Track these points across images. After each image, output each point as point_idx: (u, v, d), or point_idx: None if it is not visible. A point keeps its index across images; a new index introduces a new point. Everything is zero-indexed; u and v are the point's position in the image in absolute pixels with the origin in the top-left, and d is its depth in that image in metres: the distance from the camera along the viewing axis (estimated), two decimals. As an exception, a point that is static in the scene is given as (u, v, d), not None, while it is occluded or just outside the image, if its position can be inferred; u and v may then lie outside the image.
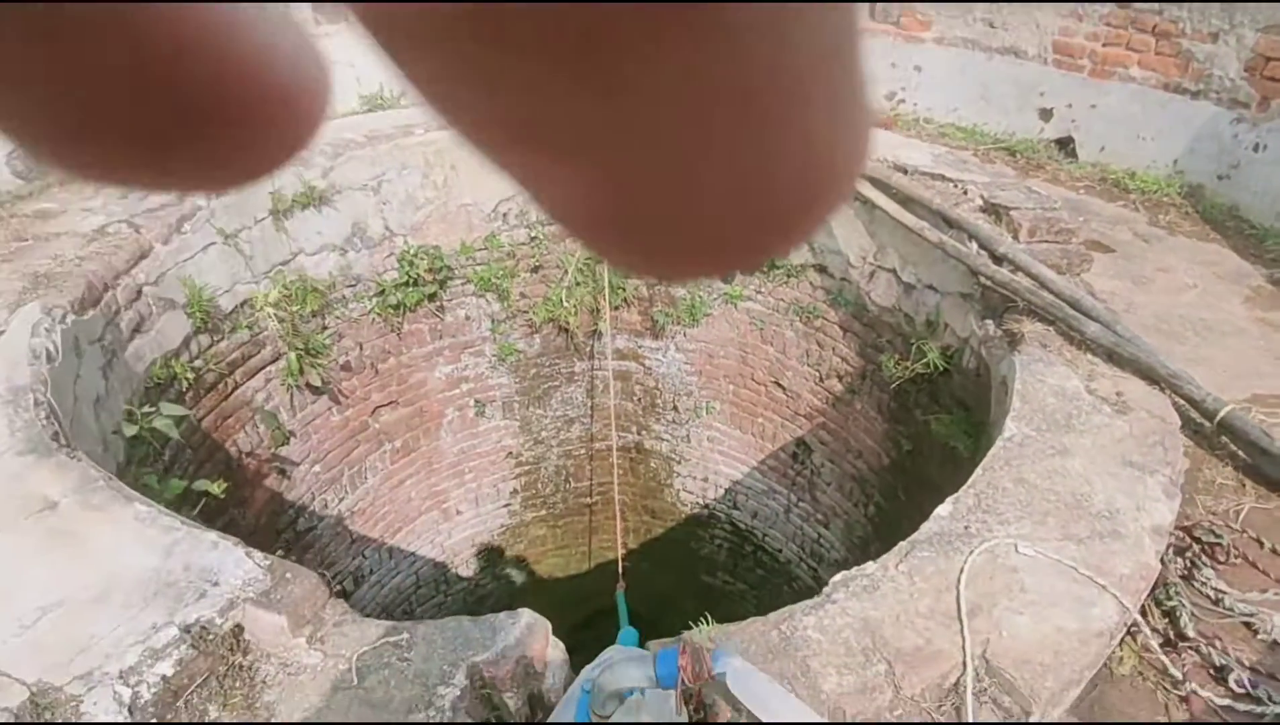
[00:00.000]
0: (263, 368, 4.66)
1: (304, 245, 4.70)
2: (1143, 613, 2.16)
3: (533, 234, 5.36)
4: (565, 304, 5.44)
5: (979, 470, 2.55)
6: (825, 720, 1.91)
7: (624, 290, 5.45)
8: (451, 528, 6.23)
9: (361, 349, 5.18)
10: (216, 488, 3.28)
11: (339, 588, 5.54)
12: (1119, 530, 2.29)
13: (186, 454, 4.21)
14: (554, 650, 2.16)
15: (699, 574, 6.52)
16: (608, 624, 6.47)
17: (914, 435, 4.32)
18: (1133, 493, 2.41)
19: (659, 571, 6.73)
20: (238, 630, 2.03)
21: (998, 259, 3.52)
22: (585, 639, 7.68)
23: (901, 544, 2.34)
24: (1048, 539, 2.28)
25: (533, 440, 6.13)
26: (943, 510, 2.42)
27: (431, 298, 5.27)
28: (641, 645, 2.32)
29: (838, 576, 2.27)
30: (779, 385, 5.36)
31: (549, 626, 2.17)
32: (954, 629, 2.06)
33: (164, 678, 1.89)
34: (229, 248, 4.35)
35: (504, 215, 5.22)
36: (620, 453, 6.27)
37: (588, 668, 1.97)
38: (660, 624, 7.27)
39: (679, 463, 6.10)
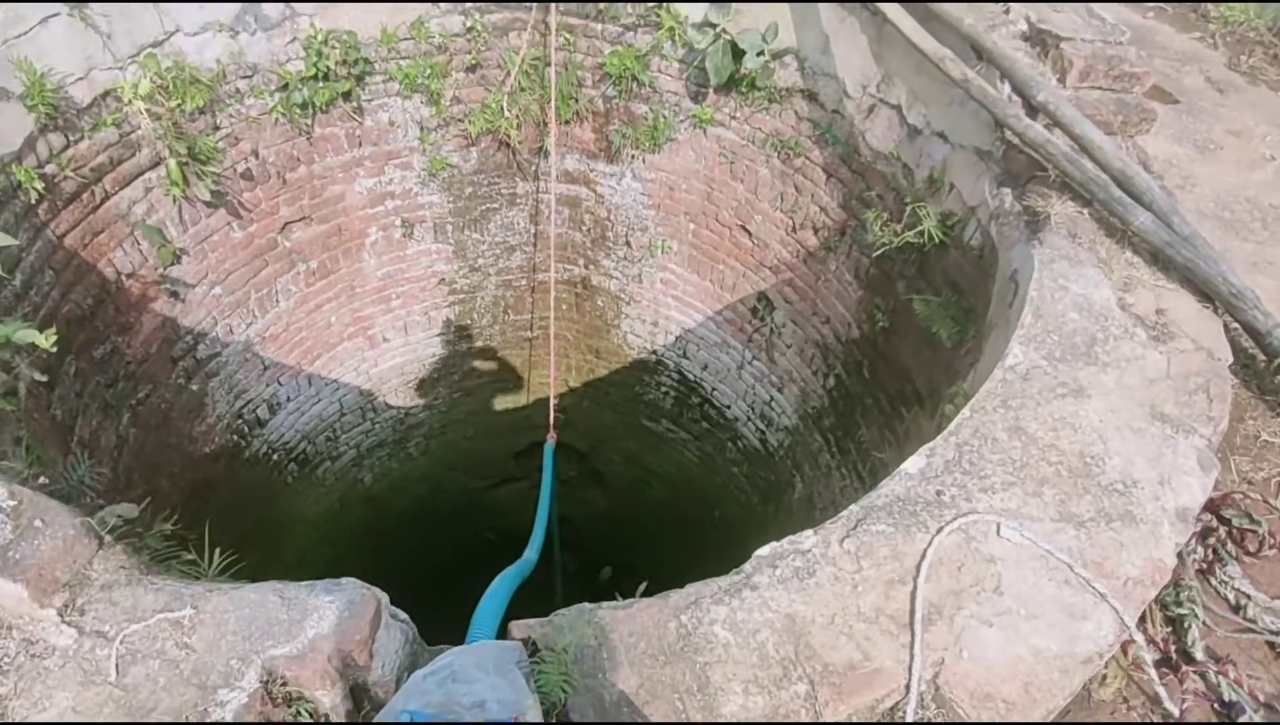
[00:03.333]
0: (139, 175, 3.86)
1: (180, 22, 3.73)
2: (1141, 619, 1.70)
3: (469, 23, 4.36)
4: (506, 114, 4.56)
5: (966, 411, 1.99)
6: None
7: (576, 101, 4.56)
8: (378, 356, 5.70)
9: (262, 155, 4.33)
10: (45, 340, 2.62)
11: (252, 416, 5.08)
12: (1133, 512, 1.78)
13: (45, 278, 3.52)
14: (389, 630, 1.66)
15: (641, 418, 6.16)
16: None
17: (892, 311, 3.74)
18: (1158, 459, 1.88)
19: (600, 410, 6.36)
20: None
21: (1033, 109, 2.75)
22: (526, 466, 7.49)
23: (852, 509, 1.82)
24: (1040, 519, 1.77)
25: (468, 267, 5.46)
26: (911, 466, 1.89)
27: (346, 96, 4.36)
28: (502, 633, 1.84)
29: (764, 550, 1.76)
30: (745, 230, 4.67)
31: (381, 600, 1.66)
32: (902, 641, 1.60)
33: None
34: (78, 22, 3.38)
35: (433, -6, 4.20)
36: (565, 286, 5.65)
37: (418, 675, 1.48)
38: (596, 456, 7.06)
39: (628, 303, 5.51)
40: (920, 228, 3.18)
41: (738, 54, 4.03)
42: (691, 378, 5.55)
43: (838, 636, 1.60)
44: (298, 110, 4.24)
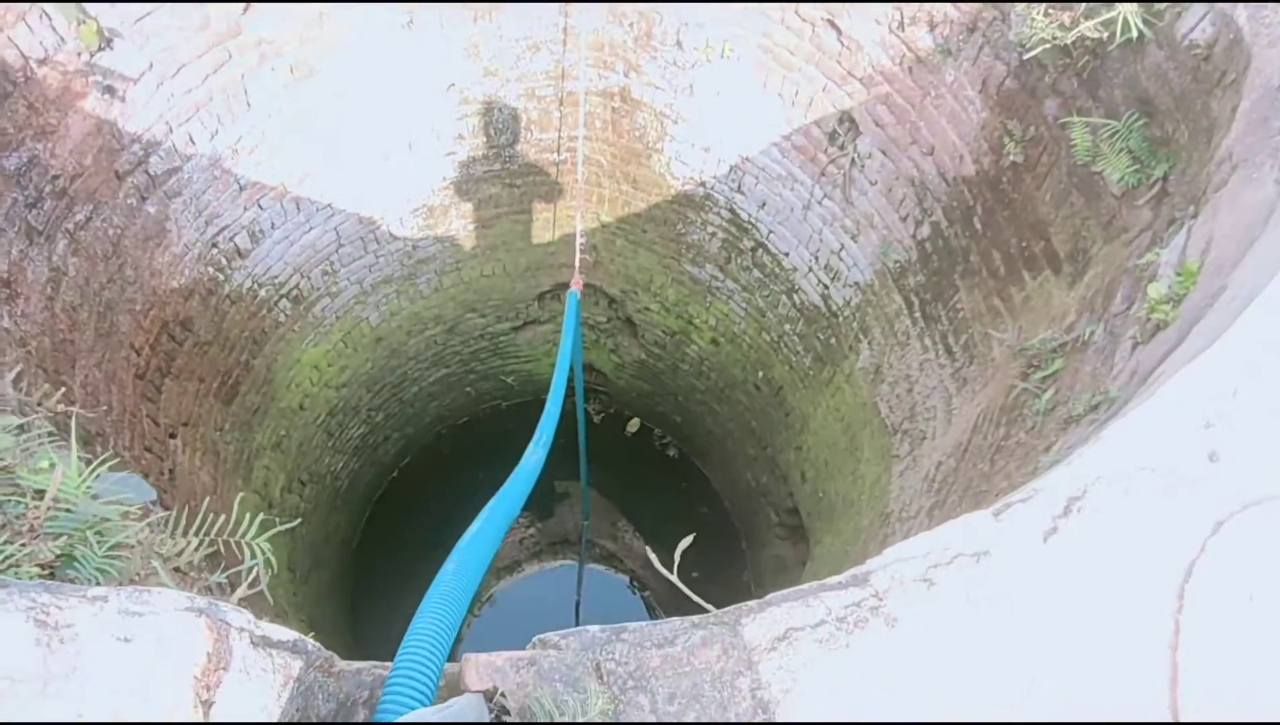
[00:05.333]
0: (36, -84, 2.90)
1: None
2: None
3: None
4: None
5: (1257, 310, 1.16)
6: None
7: None
8: (378, 177, 4.85)
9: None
10: None
11: (229, 246, 4.36)
12: None
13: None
14: (247, 676, 0.98)
15: (683, 262, 5.34)
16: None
17: (1031, 140, 2.80)
18: None
19: (636, 251, 5.54)
20: None
21: None
22: (551, 308, 6.79)
23: (1055, 477, 1.06)
24: None
25: (482, 70, 4.47)
26: (1169, 389, 1.09)
27: None
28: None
29: (905, 547, 1.03)
30: (833, 26, 3.61)
31: (228, 627, 0.97)
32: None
33: None
34: None
35: None
36: (599, 98, 4.66)
37: None
38: (629, 302, 6.28)
39: (675, 122, 4.53)
40: (1110, 15, 2.18)
41: None
42: (745, 217, 4.65)
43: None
44: None
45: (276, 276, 4.84)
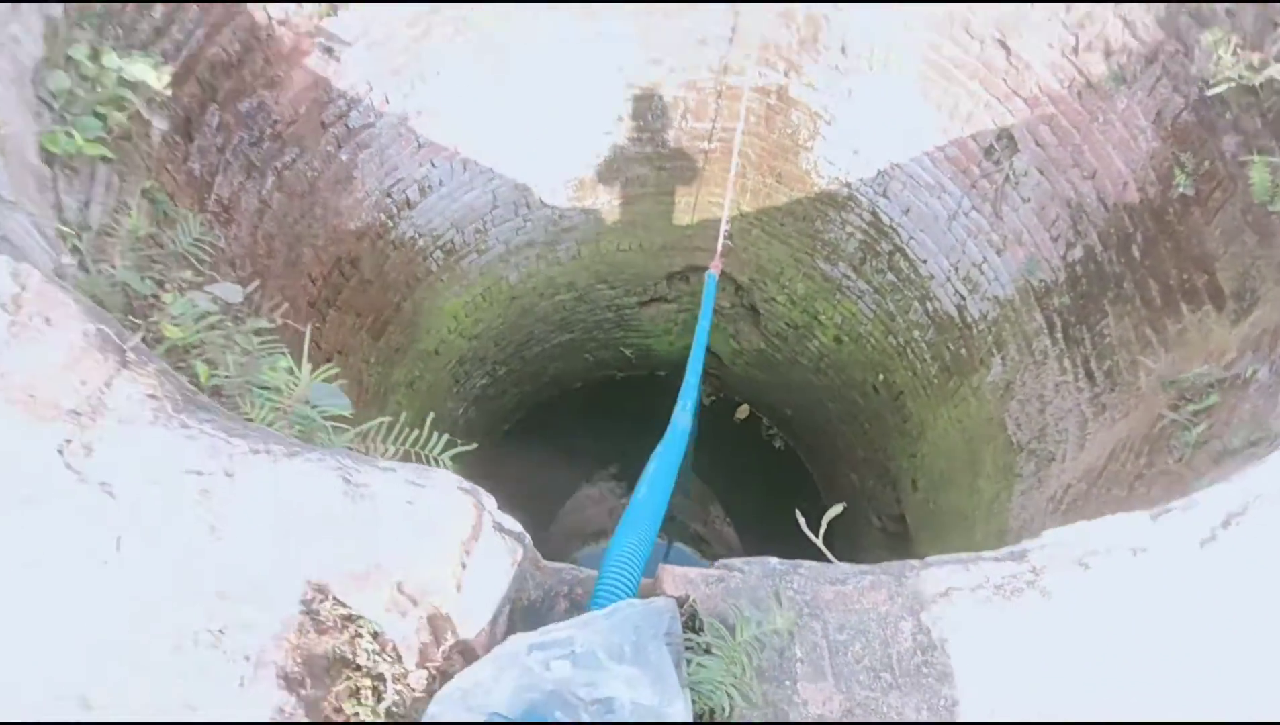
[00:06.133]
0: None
1: None
2: None
3: None
4: None
5: None
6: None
7: None
8: (539, 147, 5.17)
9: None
10: (158, 79, 2.25)
11: (401, 197, 4.78)
12: None
13: (189, 15, 3.12)
14: (491, 549, 1.24)
15: (816, 258, 5.44)
16: (700, 279, 5.61)
17: (1204, 173, 2.79)
18: None
19: (770, 242, 5.68)
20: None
21: None
22: (678, 288, 7.01)
23: (1211, 494, 1.19)
24: None
25: (649, 59, 4.69)
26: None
27: None
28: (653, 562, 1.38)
29: (1065, 532, 1.18)
30: (1004, 45, 3.64)
31: (485, 507, 1.22)
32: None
33: None
34: None
35: None
36: (756, 94, 4.80)
37: (521, 644, 1.05)
38: (756, 291, 6.43)
39: (828, 124, 4.63)
40: (1309, 61, 2.19)
41: None
42: (887, 221, 4.72)
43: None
44: None
45: (435, 229, 5.24)
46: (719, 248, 4.60)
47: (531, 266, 6.18)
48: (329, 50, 3.83)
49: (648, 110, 5.04)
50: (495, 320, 6.49)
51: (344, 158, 4.30)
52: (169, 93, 2.35)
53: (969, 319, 4.38)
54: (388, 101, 4.27)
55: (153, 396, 1.19)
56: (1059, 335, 3.67)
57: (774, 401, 7.13)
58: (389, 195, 4.74)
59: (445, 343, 6.24)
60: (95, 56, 2.31)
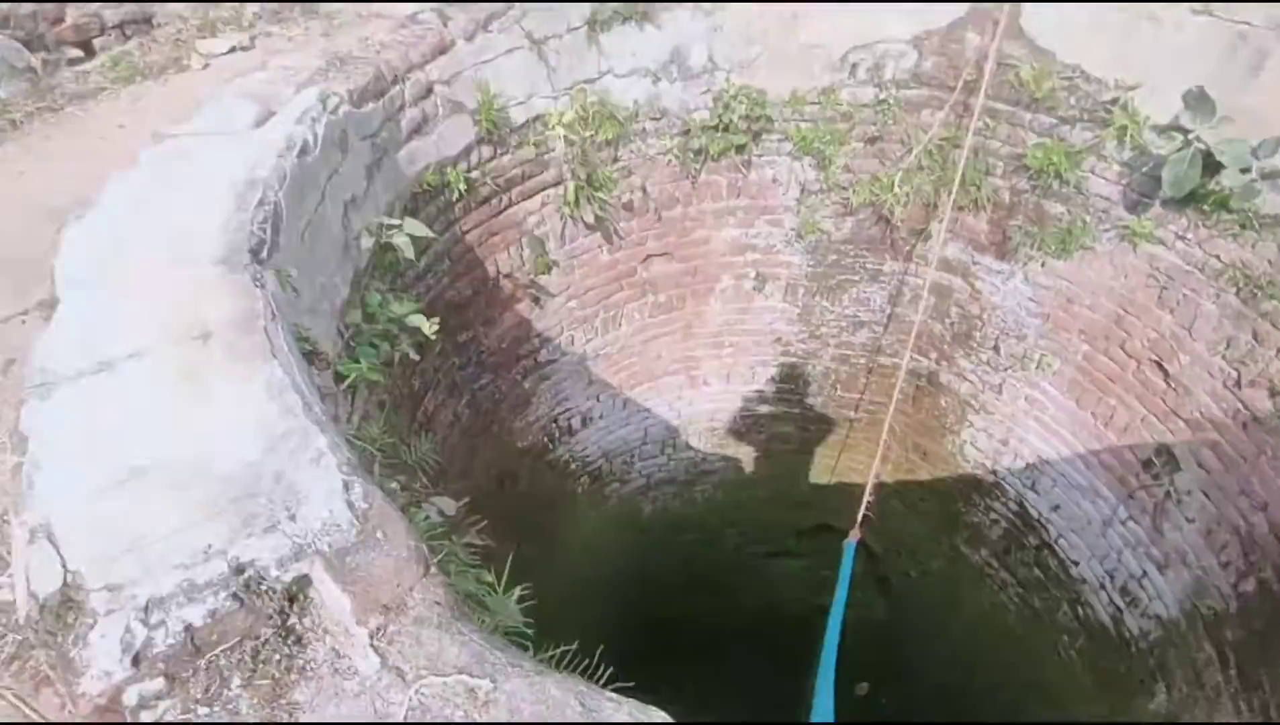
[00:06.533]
0: (541, 190, 4.18)
1: (614, 65, 4.01)
2: None
3: (882, 96, 4.12)
4: (897, 189, 4.21)
5: None
6: None
7: (978, 189, 4.06)
8: (694, 397, 5.63)
9: (648, 191, 4.46)
10: (429, 327, 2.81)
11: (565, 424, 5.26)
12: None
13: (443, 266, 3.88)
14: None
15: (956, 539, 5.39)
16: (830, 539, 5.61)
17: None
18: None
19: (909, 516, 5.70)
20: (299, 588, 1.47)
21: None
22: (806, 545, 6.99)
23: None
24: None
25: (809, 333, 5.17)
26: None
27: (740, 150, 4.36)
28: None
29: None
30: (1161, 368, 3.81)
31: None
32: None
33: (188, 627, 1.38)
34: (534, 55, 3.80)
35: (853, 66, 4.01)
36: (907, 376, 5.11)
37: None
38: (889, 562, 6.32)
39: (977, 412, 4.83)
40: None
41: (1209, 166, 3.30)
42: (1034, 515, 4.71)
43: None
44: (691, 155, 4.33)
45: (588, 456, 5.65)
46: (860, 517, 4.70)
47: (667, 502, 6.43)
48: (536, 299, 4.50)
49: (800, 377, 5.43)
50: (623, 549, 6.66)
51: (526, 386, 4.85)
52: (434, 337, 2.89)
53: (1126, 634, 4.16)
54: (573, 343, 4.87)
55: (438, 603, 1.47)
56: (1232, 672, 3.44)
57: (895, 680, 6.72)
58: (555, 421, 5.23)
59: (573, 565, 6.42)
60: (385, 303, 2.91)
